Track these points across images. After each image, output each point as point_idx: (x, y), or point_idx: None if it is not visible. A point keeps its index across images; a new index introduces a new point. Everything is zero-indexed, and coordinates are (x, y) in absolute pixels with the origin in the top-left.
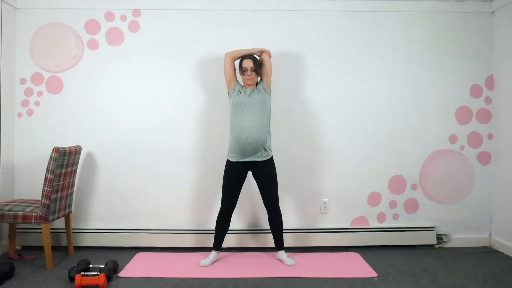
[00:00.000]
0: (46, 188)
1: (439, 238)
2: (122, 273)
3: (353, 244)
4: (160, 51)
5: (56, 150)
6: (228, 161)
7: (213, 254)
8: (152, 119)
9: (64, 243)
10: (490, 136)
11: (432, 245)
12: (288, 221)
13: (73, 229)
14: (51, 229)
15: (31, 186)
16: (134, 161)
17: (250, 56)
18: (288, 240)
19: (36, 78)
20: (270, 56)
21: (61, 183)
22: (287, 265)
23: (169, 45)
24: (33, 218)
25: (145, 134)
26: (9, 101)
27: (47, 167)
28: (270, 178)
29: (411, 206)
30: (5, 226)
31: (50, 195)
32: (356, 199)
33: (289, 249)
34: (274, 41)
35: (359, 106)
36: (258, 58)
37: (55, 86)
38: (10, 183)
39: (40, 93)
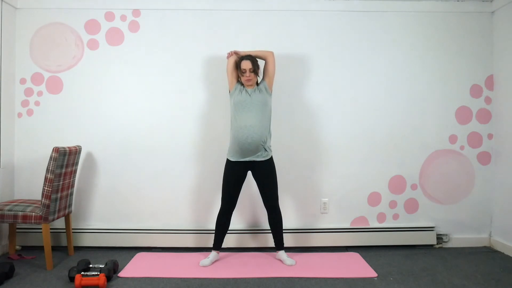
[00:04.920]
0: (46, 188)
1: (439, 238)
2: (122, 273)
3: (353, 244)
4: (160, 51)
5: (56, 150)
6: (228, 160)
7: (213, 254)
8: (152, 119)
9: (64, 243)
10: (490, 136)
11: (432, 245)
12: (288, 221)
13: (73, 229)
14: (51, 229)
15: (31, 186)
16: (134, 161)
17: (249, 57)
18: (288, 240)
19: (36, 78)
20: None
21: (61, 183)
22: (287, 265)
23: (169, 45)
24: (33, 218)
25: (145, 134)
26: (9, 101)
27: (47, 167)
28: (270, 178)
29: (411, 206)
30: (5, 226)
31: (50, 195)
32: (356, 199)
33: (289, 249)
34: (274, 41)
35: (359, 106)
36: (258, 59)
37: (55, 86)
38: (10, 183)
39: (40, 93)
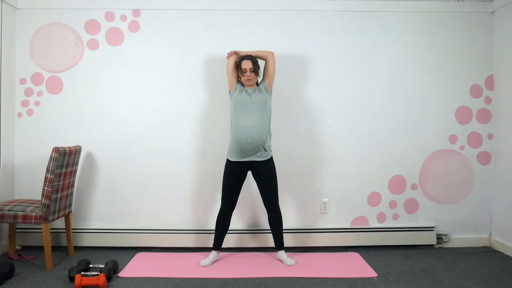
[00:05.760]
0: (46, 188)
1: (439, 238)
2: (122, 273)
3: (353, 244)
4: (160, 51)
5: (56, 150)
6: (228, 160)
7: (213, 254)
8: (152, 119)
9: (64, 243)
10: (490, 136)
11: (432, 245)
12: (288, 221)
13: (73, 229)
14: (51, 229)
15: (31, 186)
16: (134, 161)
17: (249, 57)
18: (288, 240)
19: (36, 78)
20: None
21: (61, 183)
22: (287, 265)
23: (169, 45)
24: (33, 218)
25: (145, 133)
26: (9, 101)
27: (47, 167)
28: (270, 178)
29: (411, 206)
30: (5, 226)
31: (50, 195)
32: (356, 199)
33: (289, 249)
34: (274, 41)
35: (359, 106)
36: (258, 59)
37: (55, 86)
38: (10, 183)
39: (40, 93)
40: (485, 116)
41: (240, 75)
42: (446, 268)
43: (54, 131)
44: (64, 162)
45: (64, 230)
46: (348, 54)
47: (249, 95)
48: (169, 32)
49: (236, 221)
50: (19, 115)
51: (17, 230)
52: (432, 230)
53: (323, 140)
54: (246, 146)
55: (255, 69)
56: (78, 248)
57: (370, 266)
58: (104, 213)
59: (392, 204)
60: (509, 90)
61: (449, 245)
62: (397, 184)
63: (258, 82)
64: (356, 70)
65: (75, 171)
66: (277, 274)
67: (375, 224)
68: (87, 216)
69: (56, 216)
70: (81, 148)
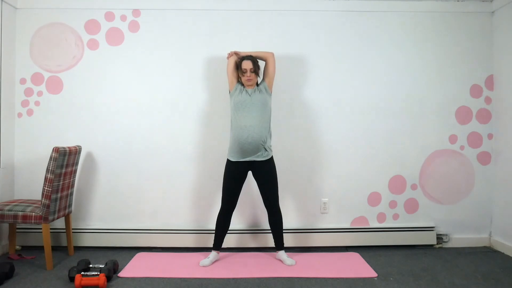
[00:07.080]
0: (46, 188)
1: (439, 238)
2: (122, 273)
3: (353, 244)
4: (160, 51)
5: (56, 150)
6: (228, 160)
7: (213, 254)
8: (152, 119)
9: (64, 243)
10: (490, 136)
11: (432, 245)
12: (288, 221)
13: (73, 229)
14: (51, 229)
15: (31, 186)
16: (134, 161)
17: (249, 57)
18: (288, 240)
19: (36, 78)
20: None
21: (61, 183)
22: (287, 265)
23: (169, 45)
24: (33, 218)
25: (145, 134)
26: (9, 101)
27: (47, 167)
28: (270, 178)
29: (411, 206)
30: (5, 226)
31: (50, 195)
32: (356, 199)
33: (289, 249)
34: (274, 41)
35: (359, 106)
36: (258, 60)
37: (55, 86)
38: (10, 183)
39: (40, 93)
40: (485, 116)
41: (240, 75)
42: (446, 268)
43: (54, 131)
44: (64, 162)
45: (64, 230)
46: (348, 54)
47: (249, 95)
48: (169, 32)
49: (236, 221)
50: (19, 115)
51: (17, 230)
52: (432, 230)
53: (323, 140)
54: (247, 146)
55: (255, 69)
56: (78, 248)
57: (370, 266)
58: (104, 213)
59: (392, 204)
60: (509, 90)
61: (449, 245)
62: (397, 184)
63: (258, 83)
64: (356, 70)
65: (75, 171)
66: (277, 274)
67: (375, 224)
68: (87, 216)
69: (56, 216)
70: (81, 148)
